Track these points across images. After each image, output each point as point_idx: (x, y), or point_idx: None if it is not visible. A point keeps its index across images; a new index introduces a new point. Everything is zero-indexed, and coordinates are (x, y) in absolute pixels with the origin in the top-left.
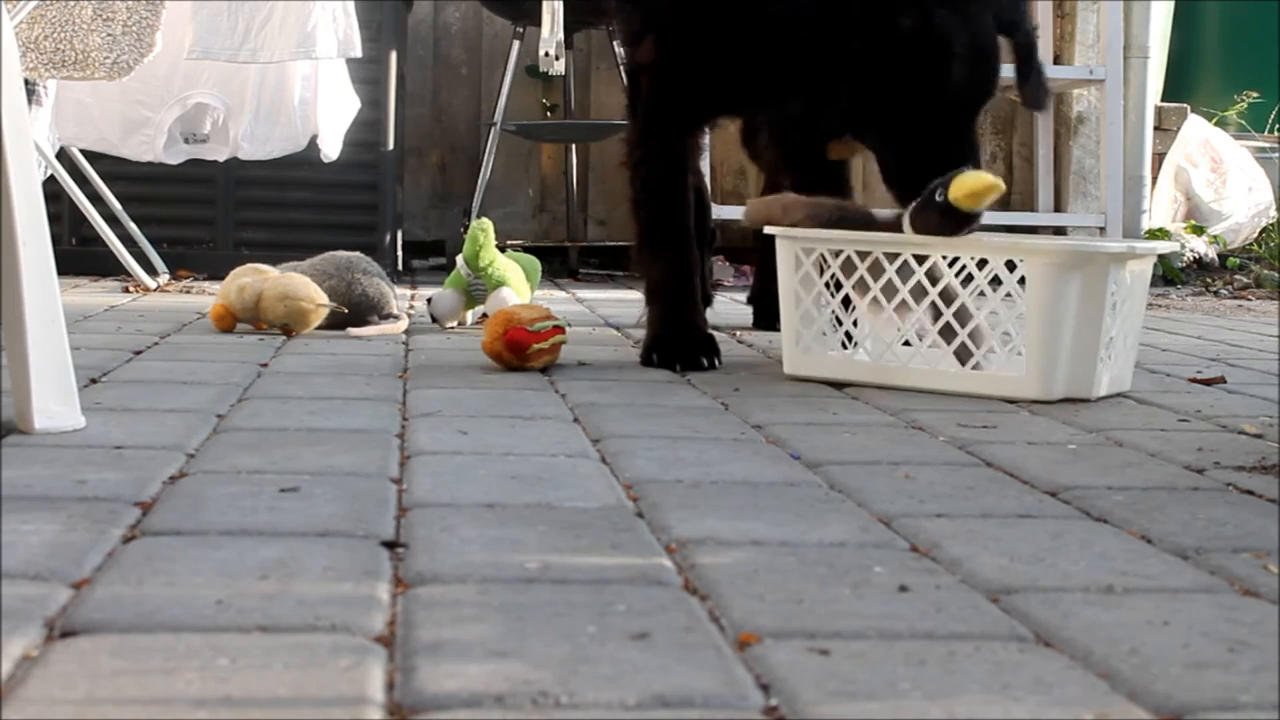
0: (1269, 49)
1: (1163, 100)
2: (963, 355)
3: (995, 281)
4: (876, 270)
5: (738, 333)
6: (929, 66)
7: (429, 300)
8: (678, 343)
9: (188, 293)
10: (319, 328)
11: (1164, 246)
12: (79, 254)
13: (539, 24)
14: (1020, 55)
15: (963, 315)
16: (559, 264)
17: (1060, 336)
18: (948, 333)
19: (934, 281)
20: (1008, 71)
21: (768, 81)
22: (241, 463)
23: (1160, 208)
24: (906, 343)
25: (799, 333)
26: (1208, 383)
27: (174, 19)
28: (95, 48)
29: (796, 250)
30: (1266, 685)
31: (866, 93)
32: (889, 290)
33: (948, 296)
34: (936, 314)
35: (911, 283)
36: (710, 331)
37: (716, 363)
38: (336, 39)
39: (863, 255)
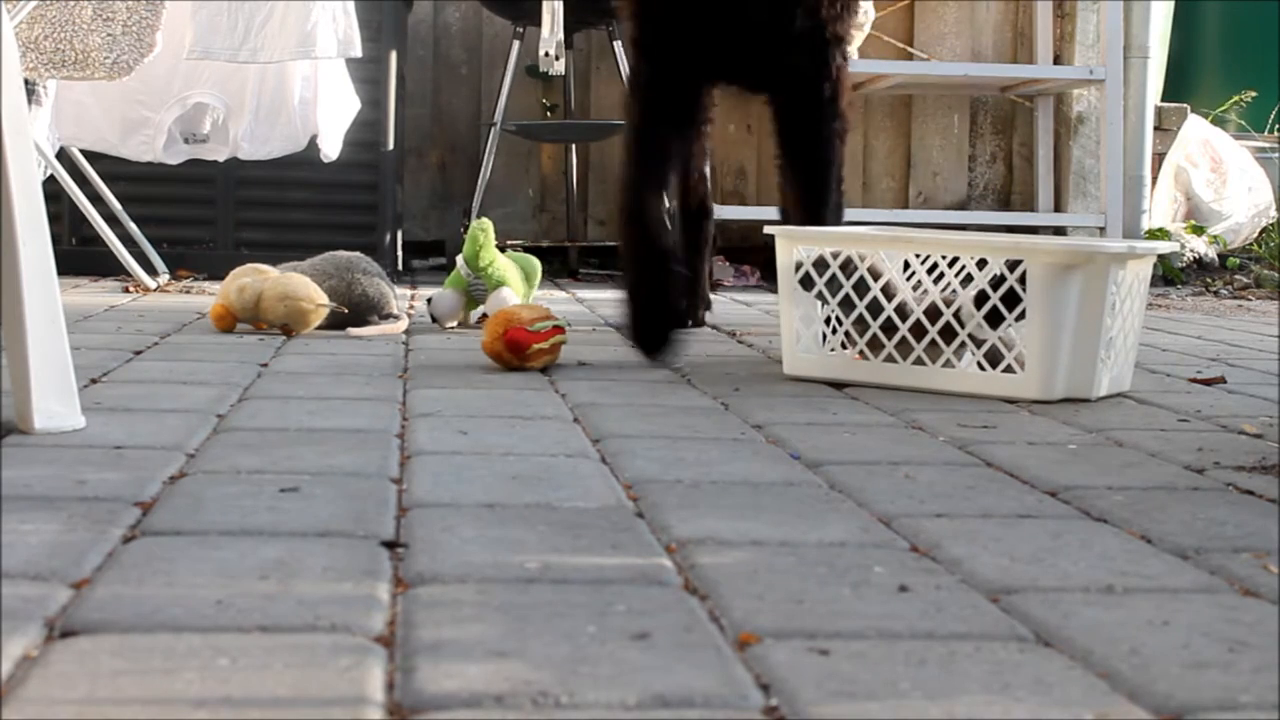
0: (1269, 49)
1: (1163, 100)
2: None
3: (998, 282)
4: (876, 271)
5: (737, 332)
6: None
7: (429, 300)
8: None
9: (188, 293)
10: (319, 328)
11: (1164, 246)
12: (79, 254)
13: (539, 24)
14: None
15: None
16: (559, 264)
17: (1060, 336)
18: (948, 333)
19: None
20: (1010, 71)
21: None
22: (241, 463)
23: (1160, 208)
24: (910, 347)
25: (799, 333)
26: (1208, 383)
27: (174, 19)
28: (95, 48)
29: (796, 250)
30: (1266, 685)
31: None
32: (888, 291)
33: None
34: (936, 314)
35: (911, 283)
36: (682, 307)
37: (682, 336)
38: (336, 39)
39: (862, 255)
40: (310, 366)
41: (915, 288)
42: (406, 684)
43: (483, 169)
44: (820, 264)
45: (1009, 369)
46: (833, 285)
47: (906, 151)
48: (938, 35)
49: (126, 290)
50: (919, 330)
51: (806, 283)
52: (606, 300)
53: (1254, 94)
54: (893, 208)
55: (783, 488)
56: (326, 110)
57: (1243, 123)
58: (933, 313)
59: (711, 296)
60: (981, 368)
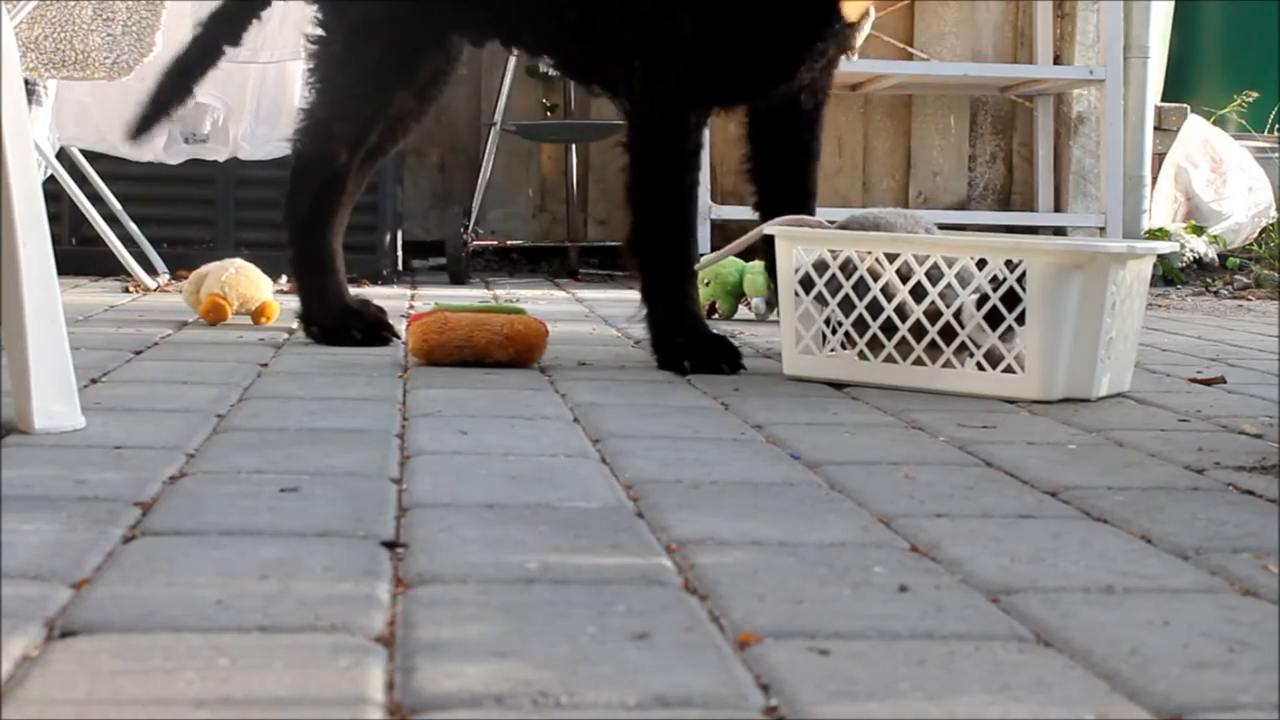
0: (1269, 49)
1: (1163, 100)
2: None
3: (998, 282)
4: (875, 271)
5: (736, 333)
6: None
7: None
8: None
9: None
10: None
11: (1164, 246)
12: (79, 254)
13: None
14: None
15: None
16: (559, 264)
17: (1060, 336)
18: (947, 334)
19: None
20: (1010, 71)
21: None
22: (241, 463)
23: (1160, 208)
24: (910, 347)
25: (799, 333)
26: (1208, 383)
27: (174, 19)
28: (95, 48)
29: (796, 250)
30: (1266, 685)
31: None
32: (888, 291)
33: (946, 298)
34: (935, 316)
35: (911, 283)
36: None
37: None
38: None
39: (862, 255)
40: (310, 366)
41: (915, 288)
42: (406, 684)
43: (483, 169)
44: (820, 265)
45: (1009, 369)
46: (833, 286)
47: (906, 151)
48: (938, 35)
49: (126, 290)
50: (919, 331)
51: (806, 283)
52: (606, 300)
53: (1255, 94)
54: (893, 208)
55: (783, 488)
56: None
57: (1243, 123)
58: (933, 313)
59: None
60: (981, 368)
